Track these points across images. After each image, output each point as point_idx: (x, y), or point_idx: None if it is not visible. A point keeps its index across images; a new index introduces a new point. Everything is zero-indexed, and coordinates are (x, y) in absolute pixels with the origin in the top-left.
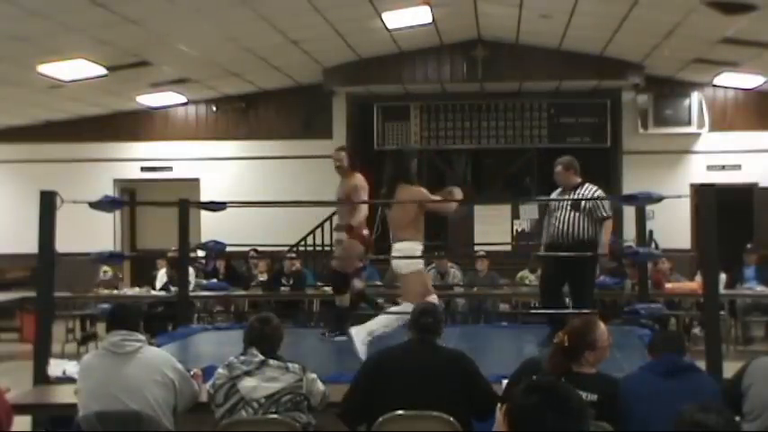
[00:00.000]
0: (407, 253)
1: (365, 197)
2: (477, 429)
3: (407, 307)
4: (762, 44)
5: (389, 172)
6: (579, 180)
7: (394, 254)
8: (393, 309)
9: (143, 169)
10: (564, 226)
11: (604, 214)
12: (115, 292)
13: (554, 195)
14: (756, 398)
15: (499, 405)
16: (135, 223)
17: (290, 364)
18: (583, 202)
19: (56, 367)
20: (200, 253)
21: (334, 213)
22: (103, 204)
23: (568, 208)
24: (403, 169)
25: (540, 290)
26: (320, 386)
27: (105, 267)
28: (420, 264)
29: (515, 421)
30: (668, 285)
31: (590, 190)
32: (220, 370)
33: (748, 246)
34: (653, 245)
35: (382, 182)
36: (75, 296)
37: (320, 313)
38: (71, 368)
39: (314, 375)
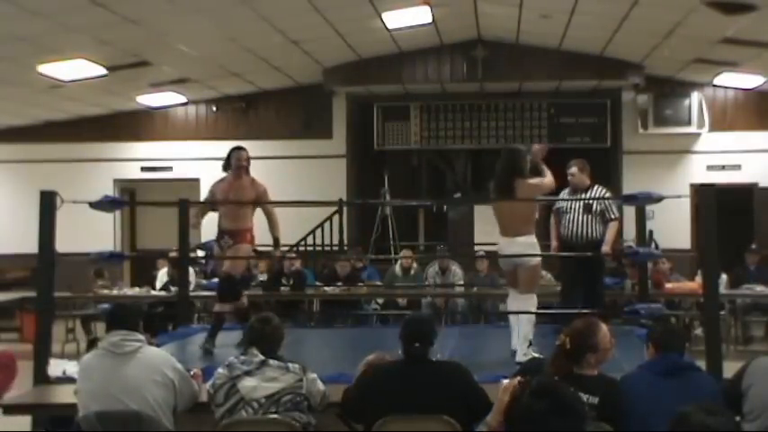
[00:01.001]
0: (531, 246)
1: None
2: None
3: (531, 300)
4: (762, 44)
5: (502, 169)
6: (589, 182)
7: (515, 247)
8: (513, 308)
9: (143, 169)
10: (576, 227)
11: (614, 215)
12: (115, 292)
13: (564, 196)
14: (756, 398)
15: (504, 381)
16: (135, 223)
17: (290, 365)
18: (594, 205)
19: (56, 367)
20: (200, 253)
21: (334, 213)
22: (103, 204)
23: (580, 210)
24: (517, 166)
25: (561, 290)
26: (320, 386)
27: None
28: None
29: (519, 421)
30: (668, 285)
31: (600, 192)
32: (220, 370)
33: (753, 246)
34: (653, 245)
35: (383, 181)
36: (75, 296)
37: (320, 313)
38: (71, 368)
39: (314, 375)
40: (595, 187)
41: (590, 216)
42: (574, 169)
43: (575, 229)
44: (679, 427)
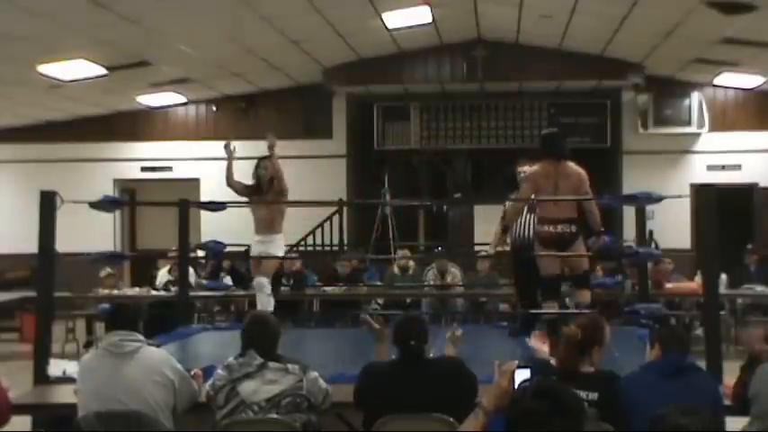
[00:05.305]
0: None
1: None
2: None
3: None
4: (762, 44)
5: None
6: None
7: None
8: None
9: (143, 169)
10: (521, 228)
11: None
12: (115, 292)
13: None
14: (763, 402)
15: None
16: (135, 223)
17: (289, 365)
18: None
19: (56, 367)
20: (200, 253)
21: (334, 213)
22: (103, 204)
23: (524, 210)
24: None
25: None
26: (322, 385)
27: (109, 269)
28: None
29: (519, 423)
30: (668, 285)
31: None
32: (220, 371)
33: (748, 246)
34: (653, 245)
35: (383, 181)
36: (75, 296)
37: (320, 313)
38: (71, 368)
39: (315, 374)
40: None
41: (533, 216)
42: (526, 168)
43: (519, 230)
44: (655, 427)
